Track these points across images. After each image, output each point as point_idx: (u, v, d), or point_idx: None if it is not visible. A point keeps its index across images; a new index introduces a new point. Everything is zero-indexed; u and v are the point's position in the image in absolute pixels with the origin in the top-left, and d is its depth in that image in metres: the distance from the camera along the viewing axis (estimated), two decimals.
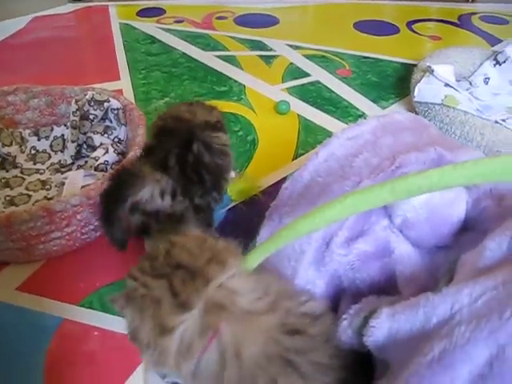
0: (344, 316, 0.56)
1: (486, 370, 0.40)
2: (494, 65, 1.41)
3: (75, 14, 1.96)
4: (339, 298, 0.62)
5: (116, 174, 0.74)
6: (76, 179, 0.87)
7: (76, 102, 1.01)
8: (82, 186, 0.87)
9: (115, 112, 1.00)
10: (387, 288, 0.58)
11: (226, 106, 1.31)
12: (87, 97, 1.01)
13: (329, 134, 1.18)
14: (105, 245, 0.89)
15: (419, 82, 1.27)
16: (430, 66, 1.27)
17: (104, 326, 0.77)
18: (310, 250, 0.60)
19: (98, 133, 1.00)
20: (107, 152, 0.96)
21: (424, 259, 0.58)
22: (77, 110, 1.00)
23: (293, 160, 1.13)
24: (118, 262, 0.87)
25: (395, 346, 0.49)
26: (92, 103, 1.00)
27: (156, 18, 1.89)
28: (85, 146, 1.03)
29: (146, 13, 1.96)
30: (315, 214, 0.49)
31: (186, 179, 0.78)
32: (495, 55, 1.41)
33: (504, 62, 1.39)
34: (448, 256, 0.57)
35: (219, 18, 1.90)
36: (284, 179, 1.06)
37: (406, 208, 0.57)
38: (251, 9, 2.00)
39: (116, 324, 0.77)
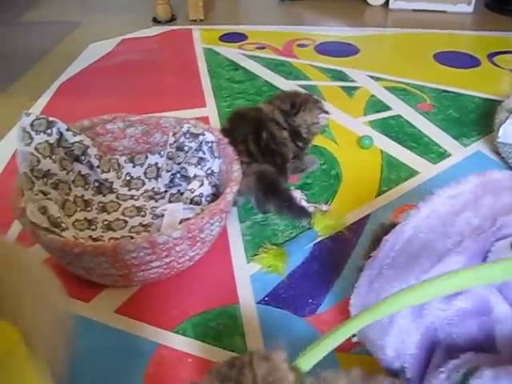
0: (442, 369, 0.58)
1: None
2: None
3: (160, 37, 2.04)
4: (433, 349, 0.64)
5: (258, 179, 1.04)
6: (175, 211, 0.92)
7: (174, 134, 1.06)
8: (181, 219, 0.91)
9: (209, 145, 1.04)
10: (485, 345, 0.59)
11: None
12: (183, 129, 1.06)
13: (411, 172, 1.22)
14: (197, 274, 0.94)
15: (504, 122, 1.26)
16: None
17: (198, 353, 0.81)
18: None
19: (191, 164, 1.05)
20: (202, 184, 1.00)
21: None
22: (174, 142, 1.05)
23: (376, 197, 1.15)
24: (209, 291, 0.91)
25: None
26: (188, 135, 1.05)
27: (238, 44, 1.95)
28: (178, 175, 1.08)
29: (229, 38, 2.01)
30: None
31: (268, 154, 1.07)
32: None
33: None
34: None
35: (300, 45, 1.94)
36: (368, 216, 1.09)
37: None
38: (331, 37, 2.03)
39: (209, 353, 0.81)
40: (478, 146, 1.34)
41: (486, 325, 0.59)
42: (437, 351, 0.63)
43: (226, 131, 1.09)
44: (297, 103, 1.16)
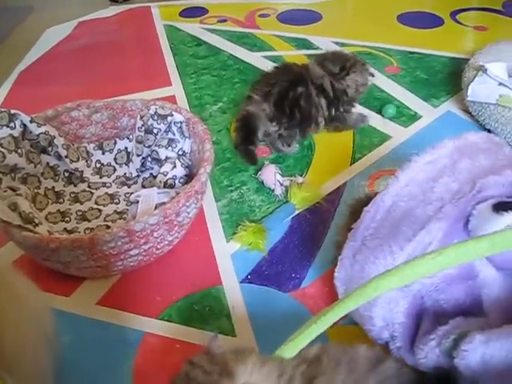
0: (431, 336, 0.58)
1: None
2: None
3: (119, 17, 1.99)
4: (421, 317, 0.64)
5: (242, 117, 1.18)
6: (149, 197, 0.90)
7: (141, 117, 1.03)
8: (156, 204, 0.89)
9: (178, 125, 1.02)
10: (472, 309, 0.60)
11: None
12: (150, 111, 1.03)
13: (383, 137, 1.21)
14: (177, 258, 0.93)
15: (472, 81, 1.26)
16: (483, 65, 1.26)
17: (185, 338, 0.80)
18: None
19: (162, 146, 1.03)
20: (175, 166, 0.98)
21: (507, 282, 0.60)
22: (142, 125, 1.03)
23: (350, 165, 1.15)
24: (191, 274, 0.90)
25: (489, 370, 0.51)
26: (155, 117, 1.03)
27: (199, 18, 1.91)
28: (149, 158, 1.06)
29: (189, 13, 1.97)
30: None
31: (281, 110, 1.15)
32: None
33: None
34: None
35: (262, 15, 1.90)
36: (344, 185, 1.08)
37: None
38: (293, 5, 2.00)
39: (196, 336, 0.80)
40: (448, 106, 1.35)
41: (472, 289, 0.60)
42: (425, 318, 0.63)
43: (264, 75, 1.24)
44: (346, 66, 1.21)
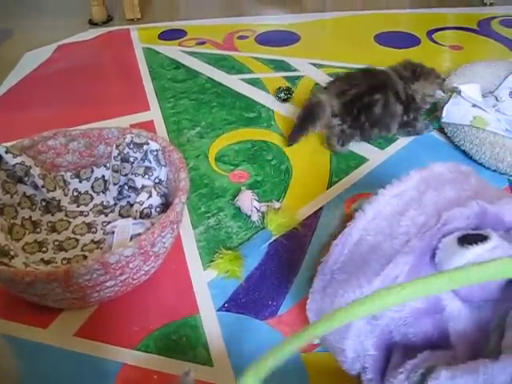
0: (400, 369, 0.59)
1: None
2: None
3: (98, 40, 1.99)
4: (391, 350, 0.65)
5: (307, 105, 1.26)
6: (125, 228, 0.90)
7: (117, 146, 1.04)
8: (132, 235, 0.90)
9: (154, 153, 1.03)
10: (440, 342, 0.61)
11: (256, 133, 1.34)
12: (126, 140, 1.04)
13: (360, 159, 1.23)
14: (154, 287, 0.93)
15: (447, 102, 1.28)
16: (457, 87, 1.28)
17: (162, 369, 0.80)
18: None
19: (138, 175, 1.03)
20: (151, 196, 0.99)
21: (473, 314, 0.61)
22: (118, 154, 1.03)
23: (327, 189, 1.16)
24: (168, 303, 0.91)
25: None
26: (131, 146, 1.03)
27: (178, 41, 1.92)
28: (126, 187, 1.06)
29: (168, 35, 1.97)
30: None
31: (348, 110, 1.22)
32: None
33: None
34: (497, 309, 0.59)
35: (240, 37, 1.92)
36: (321, 209, 1.09)
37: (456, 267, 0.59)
38: (271, 26, 2.02)
39: (174, 367, 0.80)
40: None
41: (439, 322, 0.61)
42: (395, 351, 0.64)
43: (347, 74, 1.33)
44: (417, 71, 1.29)
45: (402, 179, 0.69)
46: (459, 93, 1.28)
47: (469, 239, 0.61)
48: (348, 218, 0.86)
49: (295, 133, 1.26)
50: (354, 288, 0.63)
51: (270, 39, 1.90)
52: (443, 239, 0.62)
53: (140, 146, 1.03)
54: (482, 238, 0.61)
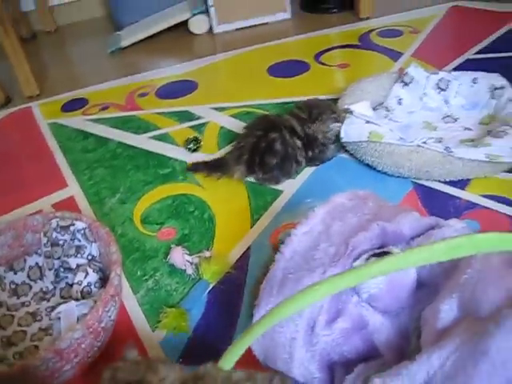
0: None
1: None
2: (403, 86, 1.56)
3: (1, 124, 1.99)
4: (333, 369, 0.73)
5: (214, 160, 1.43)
6: (70, 311, 0.95)
7: (44, 234, 1.08)
8: (78, 316, 0.94)
9: (82, 232, 1.07)
10: (371, 353, 0.69)
11: (174, 188, 1.40)
12: (52, 225, 1.08)
13: (275, 193, 1.31)
14: (109, 359, 0.97)
15: (343, 123, 1.40)
16: (348, 108, 1.40)
17: None
18: (300, 337, 0.70)
19: (71, 255, 1.07)
20: (87, 274, 1.03)
21: (393, 323, 0.70)
22: (47, 241, 1.07)
23: (251, 227, 1.23)
24: None
25: None
26: (58, 229, 1.08)
27: (81, 110, 1.94)
28: (61, 269, 1.10)
29: (70, 106, 2.00)
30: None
31: (251, 165, 1.35)
32: (401, 78, 1.56)
33: (410, 82, 1.55)
34: (412, 314, 0.69)
35: (141, 95, 1.97)
36: (249, 248, 1.17)
37: (369, 286, 0.68)
38: (168, 78, 2.09)
39: None
40: None
41: (366, 336, 0.69)
42: (336, 370, 0.72)
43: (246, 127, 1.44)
44: (313, 113, 1.40)
45: (308, 217, 0.78)
46: (351, 113, 1.40)
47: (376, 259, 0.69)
48: (276, 249, 0.94)
49: (199, 168, 1.41)
50: (288, 322, 0.70)
51: (170, 91, 1.98)
52: (354, 263, 0.71)
53: (66, 228, 1.07)
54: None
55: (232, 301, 1.06)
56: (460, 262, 0.66)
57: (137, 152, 1.61)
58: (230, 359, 0.63)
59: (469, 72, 1.56)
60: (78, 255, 1.08)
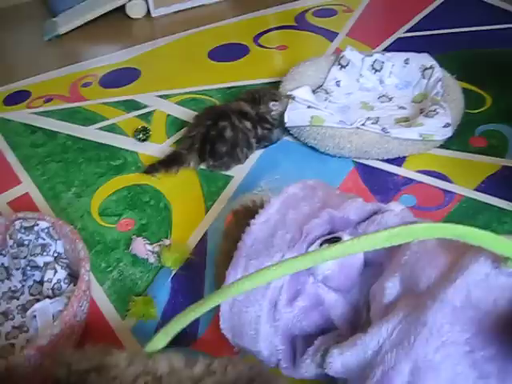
0: (305, 356, 0.77)
1: (410, 378, 0.62)
2: (340, 68, 1.65)
3: None
4: (295, 342, 0.82)
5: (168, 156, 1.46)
6: (45, 309, 1.00)
7: (10, 236, 1.12)
8: (53, 314, 1.00)
9: (46, 231, 1.12)
10: (328, 327, 0.79)
11: (128, 179, 1.45)
12: (16, 227, 1.12)
13: (226, 179, 1.39)
14: None
15: (286, 108, 1.48)
16: (290, 94, 1.48)
17: None
18: (264, 314, 0.79)
19: (37, 254, 1.11)
20: (56, 271, 1.08)
21: (346, 299, 0.80)
22: (13, 242, 1.12)
23: (206, 213, 1.31)
24: None
25: (349, 372, 0.71)
26: (23, 230, 1.12)
27: (25, 103, 1.91)
28: (28, 268, 1.14)
29: (13, 99, 1.95)
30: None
31: (202, 152, 1.42)
32: (338, 60, 1.65)
33: (347, 64, 1.64)
34: (361, 290, 0.79)
35: (84, 85, 1.95)
36: (206, 234, 1.24)
37: (323, 268, 0.78)
38: (110, 66, 2.07)
39: None
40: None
41: (323, 312, 0.79)
42: (298, 343, 0.81)
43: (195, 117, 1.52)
44: (256, 98, 1.51)
45: (265, 207, 0.86)
46: (294, 98, 1.48)
47: (328, 243, 0.79)
48: (228, 233, 1.02)
49: (155, 168, 1.43)
50: (253, 302, 0.79)
51: (113, 80, 1.96)
52: (309, 248, 0.80)
53: (30, 228, 1.12)
54: (337, 240, 0.79)
55: (195, 285, 1.14)
56: (401, 245, 0.76)
57: (87, 144, 1.62)
58: (158, 342, 0.71)
59: (401, 53, 1.66)
60: (44, 253, 1.12)
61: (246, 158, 1.46)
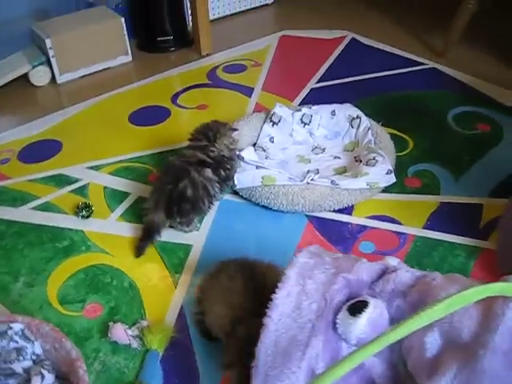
0: None
1: None
2: (272, 125, 1.70)
3: None
4: None
5: (144, 228, 1.41)
6: None
7: None
8: None
9: (20, 333, 1.05)
10: None
11: (81, 261, 1.39)
12: None
13: (186, 247, 1.40)
14: None
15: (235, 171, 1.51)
16: (239, 155, 1.50)
17: None
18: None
19: (13, 361, 1.03)
20: (43, 376, 1.01)
21: (381, 358, 0.83)
22: None
23: (175, 287, 1.29)
24: None
25: None
26: None
27: None
28: (1, 377, 1.05)
29: None
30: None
31: (169, 212, 1.38)
32: (270, 117, 1.70)
33: (279, 121, 1.69)
34: (393, 348, 0.82)
35: (3, 161, 1.83)
36: (182, 308, 1.22)
37: (357, 332, 0.81)
38: (25, 139, 1.96)
39: None
40: (226, 196, 1.57)
41: (364, 374, 0.84)
42: None
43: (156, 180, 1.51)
44: (211, 135, 1.45)
45: (283, 281, 0.88)
46: (242, 159, 1.51)
47: (356, 309, 0.83)
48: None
49: (142, 246, 1.39)
50: (289, 375, 0.80)
51: (33, 154, 1.86)
52: (338, 315, 0.83)
53: (4, 333, 1.04)
54: (365, 304, 0.83)
55: (186, 364, 1.11)
56: (427, 299, 0.81)
57: (23, 227, 1.53)
58: None
59: (326, 105, 1.76)
60: (20, 357, 1.04)
61: (210, 208, 1.47)
